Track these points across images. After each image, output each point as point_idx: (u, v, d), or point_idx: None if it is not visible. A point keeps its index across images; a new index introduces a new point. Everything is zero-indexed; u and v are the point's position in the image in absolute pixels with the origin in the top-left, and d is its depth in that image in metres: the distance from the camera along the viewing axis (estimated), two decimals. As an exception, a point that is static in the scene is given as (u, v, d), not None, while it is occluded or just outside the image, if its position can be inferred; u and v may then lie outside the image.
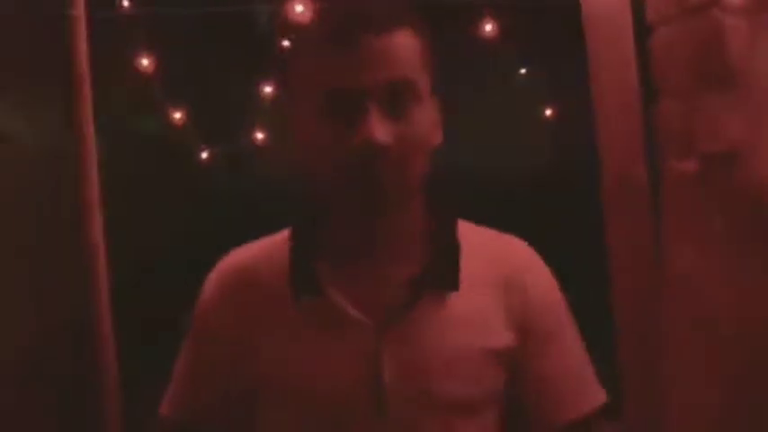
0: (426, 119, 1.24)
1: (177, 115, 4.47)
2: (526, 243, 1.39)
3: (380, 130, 1.17)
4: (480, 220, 1.39)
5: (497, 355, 1.28)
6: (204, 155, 4.70)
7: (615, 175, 1.96)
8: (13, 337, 4.12)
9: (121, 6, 3.93)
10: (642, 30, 1.92)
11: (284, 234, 1.37)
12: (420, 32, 1.26)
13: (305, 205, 1.36)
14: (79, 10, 2.70)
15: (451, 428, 1.24)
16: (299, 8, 3.44)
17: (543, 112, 4.61)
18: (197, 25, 4.91)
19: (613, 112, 1.97)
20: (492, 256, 1.33)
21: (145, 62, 4.09)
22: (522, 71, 4.61)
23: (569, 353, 1.35)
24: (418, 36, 1.25)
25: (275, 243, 1.36)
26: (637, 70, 1.95)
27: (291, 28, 3.42)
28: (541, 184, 5.18)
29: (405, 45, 1.22)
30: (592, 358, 1.40)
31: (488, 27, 4.24)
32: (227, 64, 4.58)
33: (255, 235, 1.41)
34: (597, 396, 1.36)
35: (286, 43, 3.74)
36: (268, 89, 4.25)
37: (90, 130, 2.68)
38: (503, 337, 1.29)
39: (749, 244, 1.63)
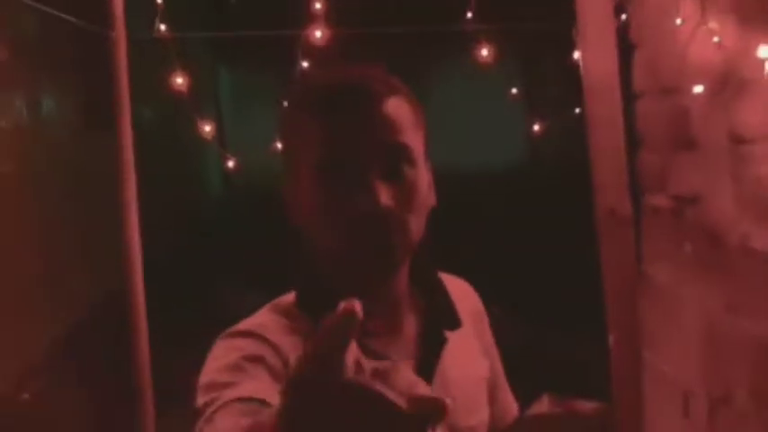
0: (422, 181, 1.25)
1: (207, 128, 4.84)
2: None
3: (384, 195, 1.18)
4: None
5: (485, 382, 1.39)
6: (231, 163, 5.12)
7: (606, 208, 2.51)
8: (69, 308, 4.61)
9: (159, 30, 4.34)
10: (629, 96, 2.48)
11: (285, 300, 1.31)
12: (411, 99, 1.27)
13: (308, 270, 1.31)
14: (120, 32, 2.98)
15: None
16: (317, 34, 3.96)
17: (531, 127, 5.03)
18: (226, 48, 5.41)
19: (605, 158, 2.52)
20: (460, 296, 1.39)
21: (179, 80, 4.48)
22: (514, 91, 5.03)
23: (504, 377, 1.52)
24: (410, 103, 1.26)
25: (282, 310, 1.28)
26: (624, 127, 2.50)
27: (310, 51, 3.93)
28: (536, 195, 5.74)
29: (399, 112, 1.22)
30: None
31: (484, 52, 4.69)
32: (254, 83, 5.04)
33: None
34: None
35: (305, 65, 4.20)
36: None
37: (129, 138, 2.95)
38: (485, 367, 1.40)
39: (708, 262, 2.19)
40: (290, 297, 1.30)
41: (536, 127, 5.28)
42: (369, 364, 0.81)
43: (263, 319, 1.25)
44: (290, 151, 1.27)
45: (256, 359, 1.13)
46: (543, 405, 4.69)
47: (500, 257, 5.53)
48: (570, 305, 4.67)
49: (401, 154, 1.21)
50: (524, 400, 1.66)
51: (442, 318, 1.32)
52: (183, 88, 4.41)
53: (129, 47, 3.14)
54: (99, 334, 4.50)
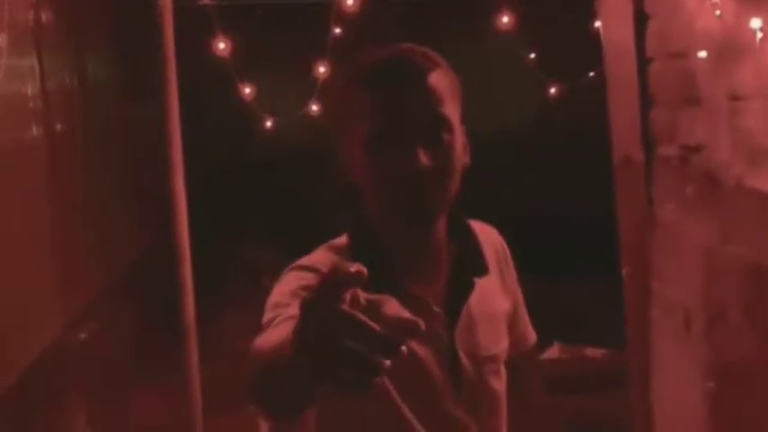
0: (457, 145, 1.40)
1: (247, 90, 5.11)
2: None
3: (424, 158, 1.34)
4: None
5: (506, 316, 1.57)
6: (269, 123, 5.36)
7: (622, 156, 2.91)
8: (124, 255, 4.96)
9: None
10: (643, 60, 2.86)
11: (339, 242, 1.48)
12: (449, 72, 1.41)
13: (360, 219, 1.48)
14: (166, 0, 3.11)
15: (493, 376, 1.50)
16: (349, 1, 4.29)
17: (548, 91, 5.36)
18: (265, 13, 5.73)
19: (622, 113, 2.91)
20: (488, 241, 1.56)
21: (221, 45, 4.75)
22: (532, 56, 5.34)
23: (524, 309, 1.69)
24: (449, 75, 1.41)
25: (337, 250, 1.46)
26: (638, 85, 2.88)
27: (342, 17, 4.26)
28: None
29: (439, 85, 1.37)
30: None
31: (505, 19, 4.93)
32: (290, 47, 5.33)
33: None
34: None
35: (338, 31, 4.48)
36: (322, 69, 4.90)
37: (175, 104, 3.12)
38: (506, 304, 1.58)
39: (708, 202, 2.58)
40: (342, 239, 1.49)
41: (552, 90, 5.63)
42: (364, 297, 0.91)
43: (319, 256, 1.46)
44: (344, 120, 1.44)
45: (310, 288, 1.41)
46: (554, 352, 5.11)
47: (521, 207, 5.91)
48: (586, 254, 5.04)
49: (441, 123, 1.37)
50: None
51: (471, 266, 1.50)
52: (226, 53, 4.70)
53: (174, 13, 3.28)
54: (147, 279, 4.79)
